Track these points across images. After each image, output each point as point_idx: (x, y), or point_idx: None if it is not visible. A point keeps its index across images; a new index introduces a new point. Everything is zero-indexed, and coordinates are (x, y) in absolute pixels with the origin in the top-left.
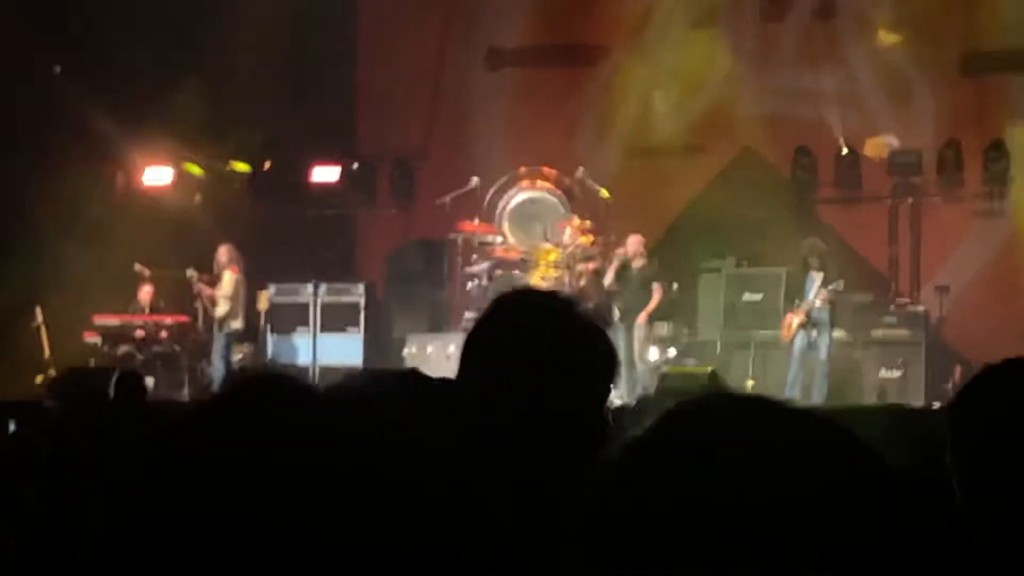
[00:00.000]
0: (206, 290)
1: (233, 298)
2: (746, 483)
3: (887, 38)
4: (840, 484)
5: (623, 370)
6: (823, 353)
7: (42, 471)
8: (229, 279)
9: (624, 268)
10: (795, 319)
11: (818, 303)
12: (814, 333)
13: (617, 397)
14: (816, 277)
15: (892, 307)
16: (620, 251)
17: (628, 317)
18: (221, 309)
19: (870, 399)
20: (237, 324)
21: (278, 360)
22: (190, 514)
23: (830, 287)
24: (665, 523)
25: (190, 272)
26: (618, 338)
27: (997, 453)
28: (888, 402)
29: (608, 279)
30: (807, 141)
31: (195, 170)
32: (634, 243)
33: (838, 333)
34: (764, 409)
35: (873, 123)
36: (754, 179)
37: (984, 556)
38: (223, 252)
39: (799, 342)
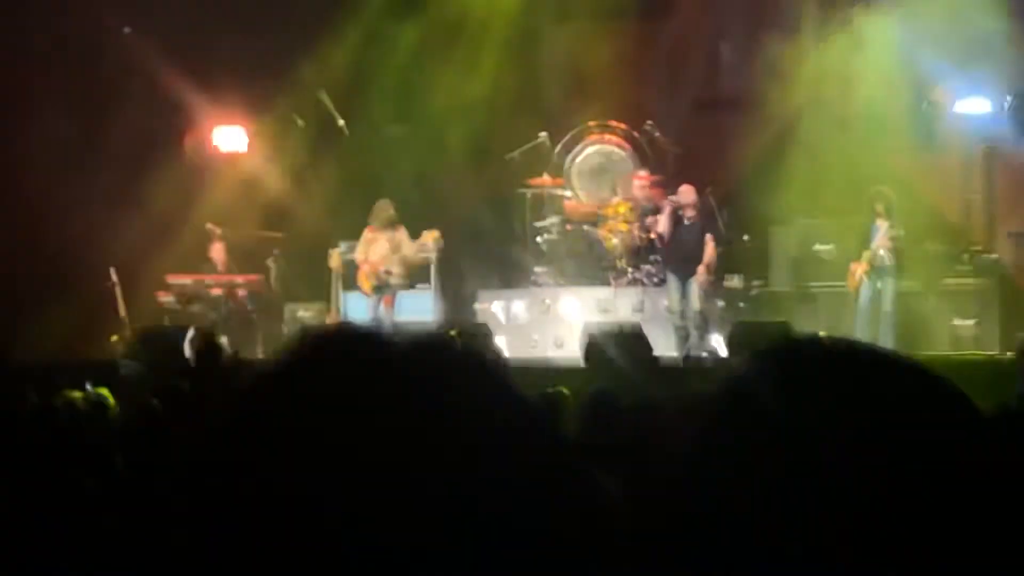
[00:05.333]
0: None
1: None
2: (839, 427)
3: None
4: (937, 427)
5: (680, 320)
6: (888, 303)
7: (118, 429)
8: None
9: (677, 219)
10: (859, 269)
11: (881, 251)
12: (879, 283)
13: (674, 349)
14: (881, 225)
15: (965, 256)
16: (673, 198)
17: (685, 267)
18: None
19: (943, 348)
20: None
21: (349, 318)
22: (279, 473)
23: (890, 235)
24: (757, 466)
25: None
26: (674, 288)
27: None
28: (962, 351)
29: (663, 227)
30: (875, 90)
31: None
32: (687, 192)
33: (909, 282)
34: (852, 352)
35: (943, 70)
36: (823, 129)
37: None
38: (389, 207)
39: (864, 292)
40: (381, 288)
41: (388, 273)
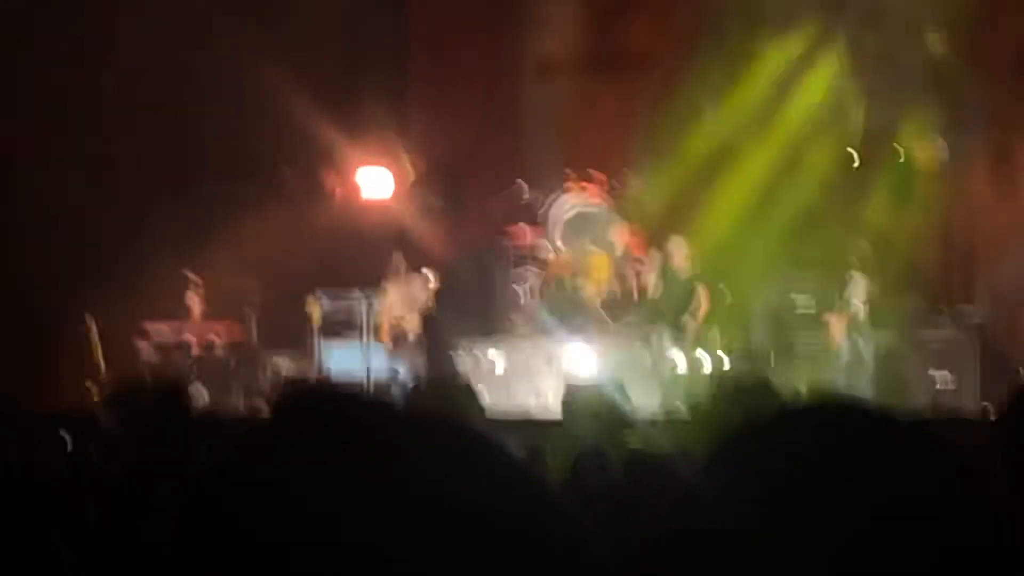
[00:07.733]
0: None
1: None
2: (835, 493)
3: (935, 40)
4: (938, 489)
5: (663, 374)
6: (867, 356)
7: (97, 486)
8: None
9: (666, 271)
10: (838, 322)
11: (860, 305)
12: (858, 337)
13: (657, 404)
14: (858, 279)
15: (944, 310)
16: (659, 254)
17: (673, 319)
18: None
19: (920, 404)
20: None
21: (327, 370)
22: (250, 535)
23: (867, 289)
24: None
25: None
26: (664, 342)
27: None
28: (938, 407)
29: (649, 281)
30: (855, 144)
31: None
32: (676, 246)
33: (887, 336)
34: (848, 414)
35: (923, 124)
36: (803, 183)
37: None
38: (397, 259)
39: (844, 345)
40: (399, 340)
41: (401, 319)
